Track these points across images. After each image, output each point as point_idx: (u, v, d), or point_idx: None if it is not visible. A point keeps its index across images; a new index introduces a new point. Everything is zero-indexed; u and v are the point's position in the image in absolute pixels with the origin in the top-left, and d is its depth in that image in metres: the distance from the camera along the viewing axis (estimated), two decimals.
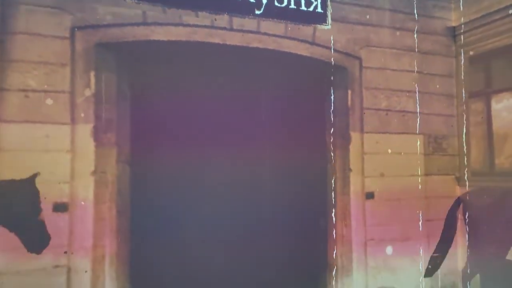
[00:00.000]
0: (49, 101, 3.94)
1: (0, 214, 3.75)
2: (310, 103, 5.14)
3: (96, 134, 4.09)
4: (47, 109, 3.92)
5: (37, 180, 3.84)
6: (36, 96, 3.90)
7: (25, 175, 3.83)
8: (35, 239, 3.83)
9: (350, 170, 4.94)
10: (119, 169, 4.25)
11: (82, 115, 4.04)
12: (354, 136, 4.97)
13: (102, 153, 4.12)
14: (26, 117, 3.86)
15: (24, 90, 3.87)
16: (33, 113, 3.88)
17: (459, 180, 5.34)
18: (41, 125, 3.89)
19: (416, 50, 5.26)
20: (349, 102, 4.99)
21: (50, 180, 3.88)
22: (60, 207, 3.92)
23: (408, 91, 5.19)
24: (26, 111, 3.86)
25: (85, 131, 4.04)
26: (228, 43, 4.52)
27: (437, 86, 5.35)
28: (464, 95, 5.36)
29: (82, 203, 4.00)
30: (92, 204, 4.03)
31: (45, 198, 3.84)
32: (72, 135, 3.99)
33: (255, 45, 4.60)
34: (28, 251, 3.82)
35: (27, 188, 3.82)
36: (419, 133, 5.22)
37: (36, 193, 3.85)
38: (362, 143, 4.98)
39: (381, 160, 5.04)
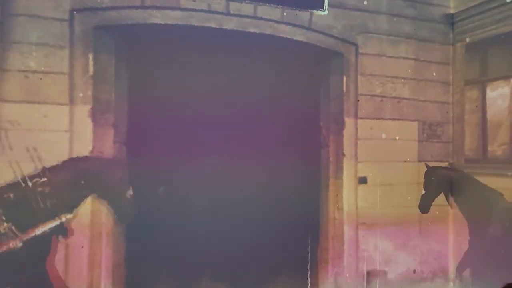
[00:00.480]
0: (48, 82, 4.04)
1: (100, 190, 4.02)
2: (305, 88, 5.19)
3: (94, 115, 4.20)
4: (46, 90, 4.03)
5: (36, 158, 3.97)
6: (35, 77, 4.01)
7: (25, 153, 3.95)
8: (125, 212, 4.11)
9: (343, 155, 5.02)
10: (116, 149, 4.37)
11: (81, 96, 4.15)
12: (348, 121, 5.04)
13: (100, 133, 4.24)
14: (25, 97, 3.97)
15: (24, 71, 3.98)
16: (32, 93, 3.99)
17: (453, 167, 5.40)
18: (40, 105, 4.01)
19: (413, 37, 5.28)
20: (344, 88, 5.05)
21: (49, 159, 3.99)
22: None
23: (404, 78, 5.23)
24: (26, 91, 3.97)
25: (83, 112, 4.15)
26: (224, 27, 4.58)
27: (433, 73, 5.38)
28: (460, 82, 5.39)
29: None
30: None
31: None
32: (71, 115, 4.11)
33: (251, 29, 4.67)
34: (117, 222, 4.13)
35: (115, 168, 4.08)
36: (413, 120, 5.28)
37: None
38: (356, 129, 5.05)
39: (375, 146, 5.11)
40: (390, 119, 5.18)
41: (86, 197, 3.97)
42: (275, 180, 5.01)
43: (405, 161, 5.21)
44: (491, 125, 5.16)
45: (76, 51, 4.15)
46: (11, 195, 3.66)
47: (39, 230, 3.65)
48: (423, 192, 5.13)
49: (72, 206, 3.85)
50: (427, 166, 5.13)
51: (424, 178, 5.19)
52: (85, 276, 4.12)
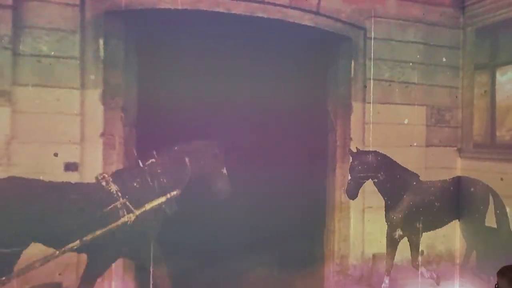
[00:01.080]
0: (59, 67, 4.13)
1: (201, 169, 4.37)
2: (313, 73, 5.22)
3: (105, 99, 4.29)
4: (58, 74, 4.13)
5: (50, 140, 4.09)
6: (47, 61, 4.10)
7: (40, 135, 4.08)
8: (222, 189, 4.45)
9: (351, 139, 5.05)
10: (126, 132, 4.47)
11: (91, 80, 4.24)
12: (356, 106, 5.06)
13: (110, 116, 4.34)
14: (38, 81, 4.07)
15: (36, 55, 4.08)
16: (45, 77, 4.09)
17: (461, 152, 5.39)
18: (53, 89, 4.11)
19: (423, 21, 5.24)
20: (352, 72, 5.06)
21: (61, 141, 4.13)
22: (71, 166, 4.17)
23: (412, 62, 5.20)
24: (39, 75, 4.08)
25: (94, 95, 4.25)
26: (233, 12, 4.61)
27: (443, 58, 5.34)
28: (469, 67, 5.35)
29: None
30: (100, 164, 4.26)
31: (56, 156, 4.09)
32: (82, 99, 4.21)
33: (259, 14, 4.68)
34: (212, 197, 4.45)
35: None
36: (421, 104, 5.27)
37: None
38: (364, 113, 5.07)
39: (383, 130, 5.12)
40: (398, 103, 5.17)
41: (190, 176, 4.24)
42: (282, 164, 5.06)
43: (412, 146, 5.21)
44: (500, 110, 5.12)
45: (87, 36, 4.23)
46: (127, 175, 4.12)
47: (149, 205, 3.99)
48: (349, 177, 4.92)
49: (178, 184, 4.16)
50: (350, 151, 4.92)
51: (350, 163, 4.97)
52: None
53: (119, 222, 3.90)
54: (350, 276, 5.12)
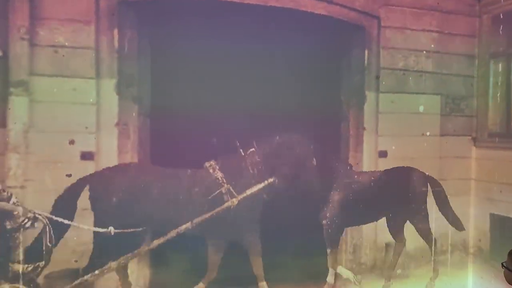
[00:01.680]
0: (75, 57, 4.19)
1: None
2: (326, 62, 5.19)
3: (119, 89, 4.34)
4: (74, 64, 4.19)
5: (66, 130, 4.17)
6: (64, 51, 4.16)
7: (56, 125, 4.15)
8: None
9: (364, 128, 5.04)
10: (140, 122, 4.53)
11: (106, 70, 4.29)
12: (369, 95, 5.04)
13: (125, 106, 4.40)
14: (55, 71, 4.15)
15: (53, 46, 4.14)
16: (61, 67, 4.16)
17: (476, 141, 5.35)
18: (69, 79, 4.18)
19: (437, 9, 5.17)
20: (366, 62, 5.03)
21: (77, 130, 4.20)
22: (87, 155, 4.25)
23: (427, 51, 5.16)
24: (55, 65, 4.14)
25: (108, 85, 4.30)
26: (245, 1, 4.61)
27: (458, 46, 5.28)
28: (485, 55, 5.28)
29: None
30: (115, 153, 4.34)
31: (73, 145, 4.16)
32: (97, 88, 4.26)
33: (272, 3, 4.68)
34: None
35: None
36: (436, 94, 5.22)
37: None
38: (377, 103, 5.05)
39: (396, 120, 5.10)
40: (412, 93, 5.14)
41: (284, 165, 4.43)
42: None
43: (427, 135, 5.17)
44: None
45: (102, 27, 4.28)
46: (230, 163, 4.36)
47: (250, 191, 4.23)
48: None
49: (274, 172, 4.37)
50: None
51: None
52: None
53: (224, 206, 4.12)
54: (363, 264, 5.14)
